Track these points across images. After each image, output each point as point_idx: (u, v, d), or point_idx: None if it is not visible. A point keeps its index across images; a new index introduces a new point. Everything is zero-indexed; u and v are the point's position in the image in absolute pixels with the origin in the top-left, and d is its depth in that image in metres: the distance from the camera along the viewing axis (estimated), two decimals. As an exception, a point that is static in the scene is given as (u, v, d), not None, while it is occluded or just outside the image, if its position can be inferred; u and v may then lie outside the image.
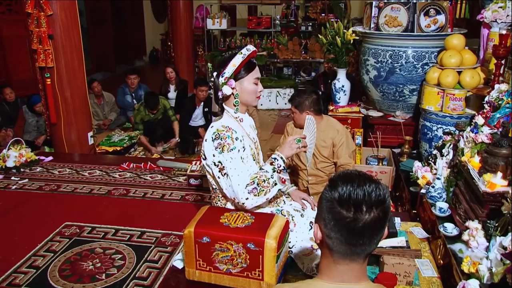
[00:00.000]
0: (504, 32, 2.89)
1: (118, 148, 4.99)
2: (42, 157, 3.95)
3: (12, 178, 3.52)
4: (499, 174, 1.93)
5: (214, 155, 1.97)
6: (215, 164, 1.98)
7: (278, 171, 1.97)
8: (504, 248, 1.63)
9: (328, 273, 1.07)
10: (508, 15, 3.10)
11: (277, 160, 1.99)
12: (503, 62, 2.84)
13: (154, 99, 4.94)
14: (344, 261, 1.03)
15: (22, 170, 3.65)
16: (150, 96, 4.97)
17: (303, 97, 2.87)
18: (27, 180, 3.49)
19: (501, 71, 2.84)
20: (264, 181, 1.93)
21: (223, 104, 2.08)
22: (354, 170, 1.07)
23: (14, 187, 3.37)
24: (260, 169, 1.98)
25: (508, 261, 1.57)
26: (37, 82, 4.09)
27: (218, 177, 1.99)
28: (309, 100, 2.85)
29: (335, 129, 2.96)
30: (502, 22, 3.14)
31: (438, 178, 2.45)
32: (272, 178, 1.95)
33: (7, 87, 5.38)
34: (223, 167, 1.95)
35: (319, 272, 1.10)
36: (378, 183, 1.02)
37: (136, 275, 2.24)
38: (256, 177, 1.93)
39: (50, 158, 3.97)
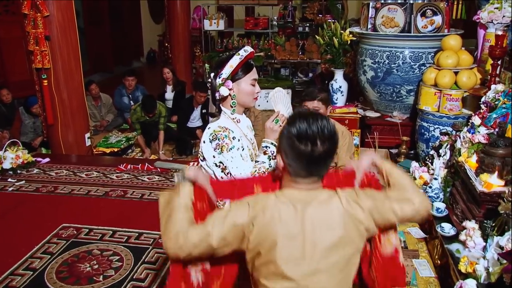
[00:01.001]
0: (500, 32, 2.90)
1: (116, 150, 4.98)
2: (39, 159, 3.94)
3: (9, 180, 3.51)
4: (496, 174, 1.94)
5: (214, 156, 1.97)
6: (216, 165, 1.98)
7: (273, 157, 1.97)
8: (501, 247, 1.64)
9: (291, 186, 1.26)
10: (504, 16, 3.11)
11: (269, 147, 1.98)
12: (499, 62, 2.85)
13: (152, 103, 4.90)
14: (304, 180, 1.24)
15: (19, 171, 3.64)
16: (148, 100, 4.93)
17: (323, 91, 2.67)
18: (24, 181, 3.48)
19: (498, 72, 2.85)
20: (264, 172, 1.93)
21: (220, 105, 2.08)
22: (306, 109, 1.20)
23: (10, 189, 3.36)
24: (256, 162, 1.99)
25: (505, 261, 1.58)
26: (34, 84, 4.08)
27: (222, 177, 1.99)
28: (327, 94, 2.70)
29: (340, 130, 2.95)
30: (498, 22, 3.15)
31: (435, 178, 2.46)
32: (271, 166, 1.95)
33: (3, 88, 5.35)
34: (225, 167, 1.95)
35: (282, 187, 1.30)
36: (328, 119, 1.21)
37: (134, 277, 2.23)
38: (255, 171, 1.93)
39: (47, 159, 3.96)
